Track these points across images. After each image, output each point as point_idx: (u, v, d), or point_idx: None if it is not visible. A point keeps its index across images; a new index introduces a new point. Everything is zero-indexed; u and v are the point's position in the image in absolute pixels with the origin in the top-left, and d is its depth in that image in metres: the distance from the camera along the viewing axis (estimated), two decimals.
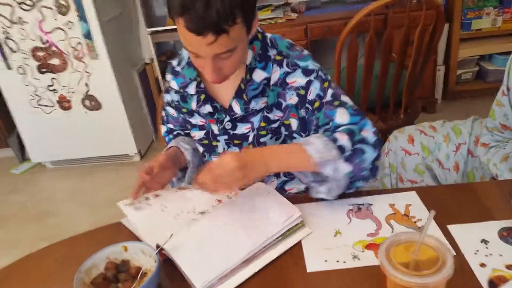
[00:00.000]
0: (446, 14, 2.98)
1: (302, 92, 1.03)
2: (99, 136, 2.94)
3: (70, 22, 2.55)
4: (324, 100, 1.01)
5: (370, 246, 0.87)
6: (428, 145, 1.32)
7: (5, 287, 0.93)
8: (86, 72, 2.69)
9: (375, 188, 1.48)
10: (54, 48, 2.63)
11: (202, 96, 1.11)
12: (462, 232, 0.87)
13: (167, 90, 1.22)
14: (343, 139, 0.96)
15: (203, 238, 0.89)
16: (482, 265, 0.79)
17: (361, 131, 0.98)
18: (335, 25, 2.81)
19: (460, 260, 0.80)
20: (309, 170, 0.96)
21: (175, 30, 1.00)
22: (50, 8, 2.51)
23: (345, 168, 0.94)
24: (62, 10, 2.51)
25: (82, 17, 2.53)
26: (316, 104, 1.02)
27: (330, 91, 1.02)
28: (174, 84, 1.18)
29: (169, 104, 1.23)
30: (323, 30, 2.86)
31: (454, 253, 0.82)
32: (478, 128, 1.30)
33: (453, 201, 0.97)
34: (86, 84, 2.73)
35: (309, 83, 1.02)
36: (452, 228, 0.88)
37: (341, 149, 0.95)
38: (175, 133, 1.29)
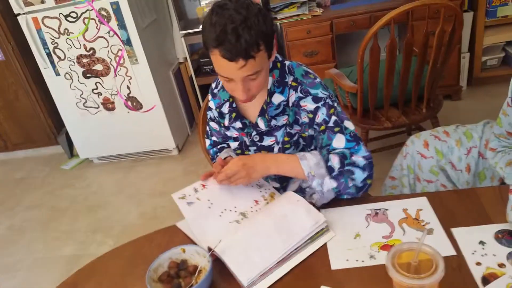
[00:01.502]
0: (470, 2, 3.03)
1: (311, 115, 1.22)
2: (140, 133, 3.17)
3: (111, 30, 2.76)
4: (328, 125, 1.20)
5: (384, 247, 1.04)
6: (441, 149, 1.46)
7: (87, 285, 1.14)
8: (127, 76, 2.91)
9: (395, 186, 1.63)
10: (97, 55, 2.86)
11: (233, 114, 1.31)
12: (463, 234, 1.03)
13: (209, 108, 1.41)
14: (334, 161, 1.17)
15: (245, 242, 1.08)
16: (478, 263, 0.94)
17: (352, 155, 1.18)
18: (360, 19, 2.90)
19: (459, 260, 0.96)
20: (300, 178, 1.20)
21: None
22: (93, 19, 2.72)
23: (331, 184, 1.16)
24: (104, 20, 2.72)
25: (122, 26, 2.74)
26: (322, 128, 1.21)
27: (333, 118, 1.20)
28: (212, 104, 1.38)
29: (211, 119, 1.43)
30: (348, 25, 2.95)
31: (455, 253, 0.98)
32: (489, 132, 1.42)
33: (458, 206, 1.12)
34: (128, 87, 2.96)
35: (317, 109, 1.21)
36: (455, 231, 1.04)
37: (330, 169, 1.17)
38: (219, 146, 1.47)
